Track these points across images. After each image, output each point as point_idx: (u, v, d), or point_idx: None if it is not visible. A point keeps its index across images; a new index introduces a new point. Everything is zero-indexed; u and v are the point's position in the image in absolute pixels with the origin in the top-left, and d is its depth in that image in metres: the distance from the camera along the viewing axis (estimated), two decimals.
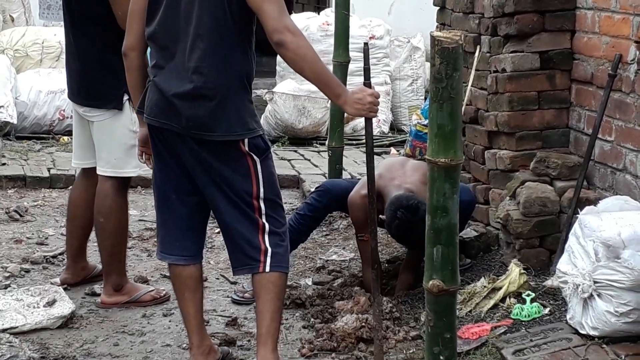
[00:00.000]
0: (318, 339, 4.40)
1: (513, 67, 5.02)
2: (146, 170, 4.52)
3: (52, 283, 5.06)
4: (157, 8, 3.77)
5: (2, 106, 8.12)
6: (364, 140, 8.71)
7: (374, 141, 4.30)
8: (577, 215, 4.26)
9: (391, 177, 4.95)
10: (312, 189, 5.67)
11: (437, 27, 6.02)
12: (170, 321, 4.69)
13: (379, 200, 4.63)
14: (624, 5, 4.63)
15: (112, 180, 4.77)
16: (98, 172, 4.79)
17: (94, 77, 4.70)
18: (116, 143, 4.73)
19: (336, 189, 5.18)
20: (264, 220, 3.86)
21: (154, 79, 3.82)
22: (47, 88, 8.49)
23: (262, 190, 3.84)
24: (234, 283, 5.20)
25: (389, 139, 8.86)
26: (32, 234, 6.03)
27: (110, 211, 4.78)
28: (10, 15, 9.39)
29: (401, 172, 5.03)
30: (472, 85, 5.38)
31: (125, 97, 4.64)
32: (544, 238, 4.81)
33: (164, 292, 4.94)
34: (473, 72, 5.33)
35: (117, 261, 4.85)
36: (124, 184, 4.82)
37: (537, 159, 4.94)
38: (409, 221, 4.57)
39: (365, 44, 4.19)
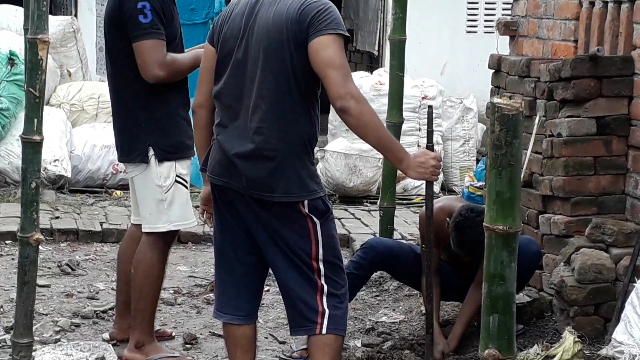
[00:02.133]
0: None
1: (569, 131, 5.01)
2: (195, 227, 4.53)
3: (103, 339, 5.07)
4: (225, 68, 3.83)
5: (57, 160, 8.22)
6: (414, 200, 8.84)
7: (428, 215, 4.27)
8: (634, 283, 4.23)
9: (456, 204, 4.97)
10: (360, 246, 5.65)
11: (491, 89, 6.02)
12: None
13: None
14: None
15: (147, 235, 4.79)
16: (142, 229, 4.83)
17: (125, 132, 4.75)
18: (147, 198, 4.74)
19: (381, 247, 5.16)
20: (322, 282, 3.85)
21: (217, 137, 3.86)
22: (101, 142, 8.57)
23: (321, 251, 3.84)
24: (282, 343, 5.18)
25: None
26: (83, 288, 6.05)
27: (139, 264, 4.78)
28: (67, 70, 9.54)
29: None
30: (531, 151, 5.36)
31: (151, 152, 4.63)
32: (599, 306, 4.76)
33: None
34: (533, 137, 5.31)
35: (142, 317, 4.79)
36: (159, 240, 4.77)
37: (592, 225, 4.90)
38: (471, 220, 4.55)
39: (430, 106, 4.23)
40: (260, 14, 3.76)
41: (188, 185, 4.77)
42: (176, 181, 4.67)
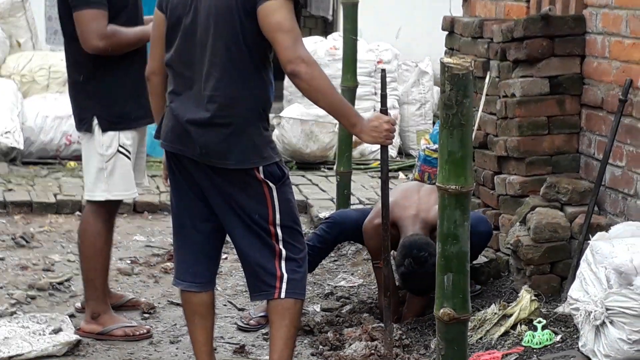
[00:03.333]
0: None
1: (522, 92, 5.02)
2: (151, 196, 4.51)
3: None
4: (175, 36, 3.80)
5: (9, 132, 8.13)
6: (372, 165, 8.85)
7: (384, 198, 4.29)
8: (589, 241, 4.25)
9: (406, 206, 4.95)
10: (322, 218, 5.67)
11: (445, 51, 6.03)
12: (177, 348, 4.68)
13: (393, 228, 4.65)
14: (634, 30, 4.64)
15: (89, 204, 4.79)
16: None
17: (75, 101, 4.75)
18: (89, 166, 4.73)
19: (347, 222, 5.19)
20: (280, 247, 3.87)
21: (170, 104, 3.84)
22: (53, 113, 8.50)
23: (278, 216, 3.85)
24: (241, 309, 5.21)
25: (397, 163, 8.84)
26: (39, 260, 6.01)
27: (84, 234, 4.78)
28: (17, 41, 9.41)
29: (416, 198, 5.03)
30: (481, 111, 5.38)
31: (95, 121, 4.62)
32: (555, 264, 4.79)
33: (145, 330, 4.82)
34: (483, 97, 5.34)
35: (93, 287, 4.78)
36: (101, 209, 4.75)
37: (547, 185, 4.93)
38: (415, 273, 4.62)
39: (383, 70, 4.23)
40: None
41: (131, 156, 4.73)
42: (118, 151, 4.64)
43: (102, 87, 4.60)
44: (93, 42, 4.45)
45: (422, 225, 4.86)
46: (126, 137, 4.66)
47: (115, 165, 4.65)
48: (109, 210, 4.79)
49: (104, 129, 4.63)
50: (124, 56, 4.58)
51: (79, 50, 4.56)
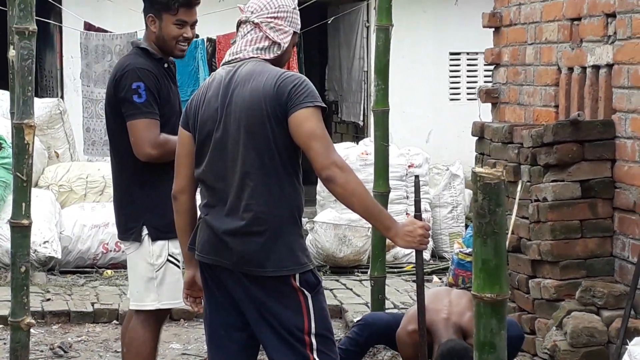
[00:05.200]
0: None
1: (554, 196, 5.04)
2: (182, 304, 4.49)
3: None
4: (205, 150, 3.82)
5: (47, 241, 8.20)
6: (406, 269, 8.83)
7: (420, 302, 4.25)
8: (626, 346, 4.21)
9: (437, 309, 4.92)
10: (354, 321, 5.63)
11: (476, 156, 6.08)
12: None
13: (427, 334, 4.62)
14: None
15: (137, 313, 4.76)
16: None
17: (121, 210, 4.75)
18: (138, 276, 4.72)
19: (378, 323, 5.16)
20: (315, 356, 3.79)
21: (205, 217, 3.84)
22: (91, 222, 8.58)
23: (313, 325, 3.80)
24: None
25: (431, 266, 8.80)
26: None
27: (131, 342, 4.74)
28: (55, 152, 9.57)
29: (447, 302, 5.01)
30: (515, 215, 5.38)
31: (145, 231, 4.63)
32: None
33: None
34: (517, 202, 5.35)
35: None
36: (150, 318, 4.72)
37: (582, 288, 4.91)
38: None
39: (416, 176, 4.25)
40: (236, 92, 3.78)
41: (180, 264, 4.74)
42: (168, 260, 4.65)
43: (151, 196, 4.63)
44: (147, 150, 4.51)
45: (455, 329, 4.83)
46: (174, 246, 4.66)
47: (165, 275, 4.63)
48: (158, 319, 4.76)
49: (154, 238, 4.63)
50: (170, 164, 4.64)
51: (129, 160, 4.62)
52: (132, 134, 4.56)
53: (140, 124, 4.54)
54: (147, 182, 4.62)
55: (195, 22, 4.76)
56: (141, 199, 4.65)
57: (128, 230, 4.70)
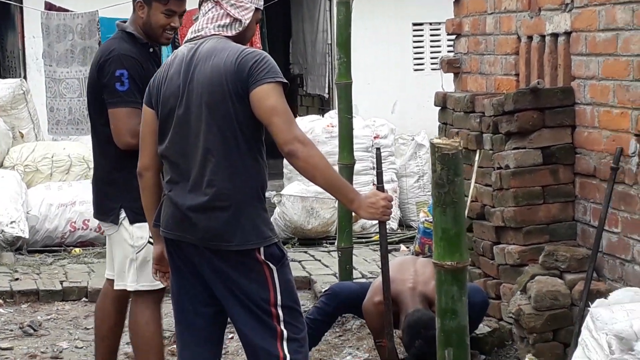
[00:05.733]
0: None
1: (516, 163, 5.08)
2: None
3: None
4: (168, 127, 3.83)
5: (14, 221, 8.16)
6: (373, 238, 8.86)
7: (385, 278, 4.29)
8: (589, 308, 4.24)
9: (403, 279, 4.97)
10: (322, 291, 5.67)
11: (439, 126, 6.10)
12: None
13: (393, 304, 4.66)
14: (621, 99, 4.71)
15: (135, 295, 4.72)
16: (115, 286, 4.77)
17: (100, 192, 4.76)
18: (118, 256, 4.70)
19: (345, 293, 5.20)
20: (282, 327, 3.82)
21: (169, 193, 3.85)
22: (57, 201, 8.54)
23: (279, 297, 3.82)
24: None
25: (398, 235, 8.88)
26: (47, 348, 5.98)
27: (134, 327, 4.72)
28: (19, 132, 9.51)
29: (412, 271, 5.05)
30: (475, 182, 5.42)
31: (123, 214, 4.61)
32: (558, 331, 4.80)
33: None
34: (475, 171, 5.39)
35: None
36: (144, 300, 4.69)
37: (545, 253, 4.96)
38: (427, 353, 4.55)
39: (378, 148, 4.28)
40: (198, 69, 3.78)
41: None
42: (149, 242, 4.60)
43: (131, 180, 4.57)
44: (126, 138, 4.49)
45: (421, 298, 4.87)
46: None
47: (146, 256, 4.59)
48: (154, 299, 4.70)
49: (132, 221, 4.60)
50: None
51: (108, 144, 4.61)
52: (112, 122, 4.55)
53: (121, 112, 4.52)
54: (126, 167, 4.53)
55: (184, 12, 4.71)
56: (120, 182, 4.61)
57: (107, 211, 4.69)
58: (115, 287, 4.75)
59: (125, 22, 4.76)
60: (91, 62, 4.89)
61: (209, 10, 3.89)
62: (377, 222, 3.99)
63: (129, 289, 4.67)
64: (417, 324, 4.71)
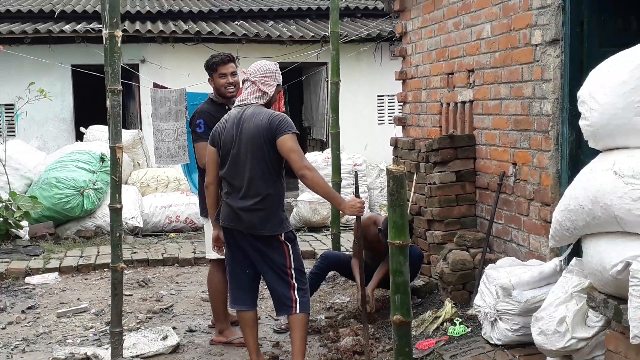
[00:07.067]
0: (329, 353, 4.37)
1: (439, 180, 5.06)
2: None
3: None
4: (226, 160, 3.84)
5: (133, 217, 8.19)
6: (353, 227, 8.80)
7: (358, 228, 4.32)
8: (484, 269, 4.25)
9: (371, 215, 5.04)
10: (318, 256, 5.66)
11: (393, 158, 6.09)
12: (237, 350, 4.63)
13: (374, 225, 4.77)
14: (503, 142, 4.71)
15: (210, 263, 4.68)
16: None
17: (200, 199, 4.62)
18: (206, 240, 4.64)
19: (332, 257, 5.19)
20: (294, 282, 3.85)
21: (226, 200, 3.86)
22: (160, 204, 8.57)
23: (292, 263, 3.84)
24: (276, 319, 5.16)
25: None
26: (153, 295, 6.02)
27: (208, 282, 4.69)
28: (137, 162, 9.56)
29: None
30: (414, 192, 5.41)
31: (205, 212, 4.50)
32: (465, 284, 4.77)
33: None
34: (414, 185, 5.38)
35: (217, 314, 4.66)
36: (217, 265, 4.59)
37: (458, 236, 4.94)
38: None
39: (356, 172, 4.27)
40: (244, 126, 3.80)
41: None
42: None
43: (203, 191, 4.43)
44: (202, 161, 4.36)
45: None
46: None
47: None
48: (220, 265, 4.57)
49: (206, 217, 4.48)
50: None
51: (198, 167, 4.52)
52: (195, 151, 4.52)
53: (199, 145, 4.47)
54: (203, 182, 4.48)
55: (234, 72, 4.58)
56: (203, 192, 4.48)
57: (203, 210, 4.56)
58: (207, 257, 4.68)
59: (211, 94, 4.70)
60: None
61: (248, 87, 3.91)
62: (355, 216, 3.99)
63: (212, 257, 4.58)
64: (385, 223, 4.70)
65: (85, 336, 4.85)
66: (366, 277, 5.03)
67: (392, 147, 6.08)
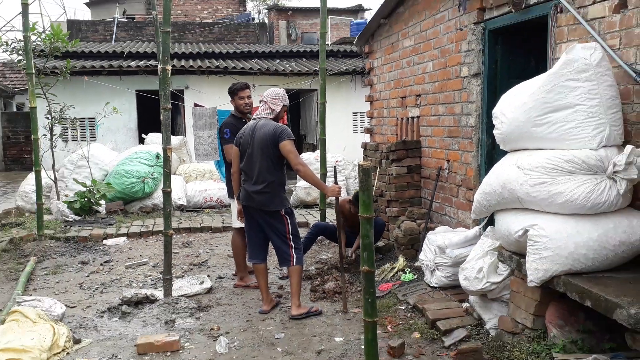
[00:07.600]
0: (317, 293, 4.36)
1: (395, 172, 5.04)
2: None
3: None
4: (244, 156, 3.82)
5: (180, 198, 8.12)
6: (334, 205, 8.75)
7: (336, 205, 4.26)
8: (427, 234, 4.26)
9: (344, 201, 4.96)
10: (310, 225, 5.64)
11: (363, 157, 6.06)
12: (253, 290, 4.60)
13: (349, 203, 4.69)
14: (441, 145, 4.69)
15: (234, 229, 4.65)
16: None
17: (228, 184, 4.51)
18: (233, 213, 4.50)
19: (321, 225, 5.16)
20: (291, 243, 3.84)
21: (243, 185, 3.84)
22: (199, 189, 8.47)
23: (291, 230, 3.83)
24: (280, 270, 5.14)
25: None
26: (193, 252, 5.95)
27: (233, 242, 4.65)
28: (182, 160, 9.48)
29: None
30: (378, 181, 5.39)
31: (232, 195, 4.43)
32: (413, 245, 4.77)
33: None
34: (377, 175, 5.36)
35: (238, 266, 4.61)
36: (239, 232, 4.54)
37: (408, 211, 4.93)
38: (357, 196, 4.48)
39: (335, 166, 4.27)
40: (257, 133, 3.77)
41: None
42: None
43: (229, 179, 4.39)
44: (230, 157, 4.25)
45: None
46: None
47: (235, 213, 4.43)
48: (241, 232, 4.51)
49: (232, 197, 4.37)
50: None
51: (226, 161, 4.45)
52: (223, 150, 4.45)
53: (227, 146, 4.40)
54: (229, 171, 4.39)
55: (249, 95, 4.52)
56: (229, 179, 4.42)
57: (230, 193, 4.47)
58: (233, 226, 4.64)
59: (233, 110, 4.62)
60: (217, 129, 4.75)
61: (262, 105, 3.87)
62: (335, 198, 3.98)
63: (237, 226, 4.51)
64: (355, 196, 4.71)
65: (145, 282, 4.83)
66: (348, 242, 5.03)
67: (363, 149, 6.03)
